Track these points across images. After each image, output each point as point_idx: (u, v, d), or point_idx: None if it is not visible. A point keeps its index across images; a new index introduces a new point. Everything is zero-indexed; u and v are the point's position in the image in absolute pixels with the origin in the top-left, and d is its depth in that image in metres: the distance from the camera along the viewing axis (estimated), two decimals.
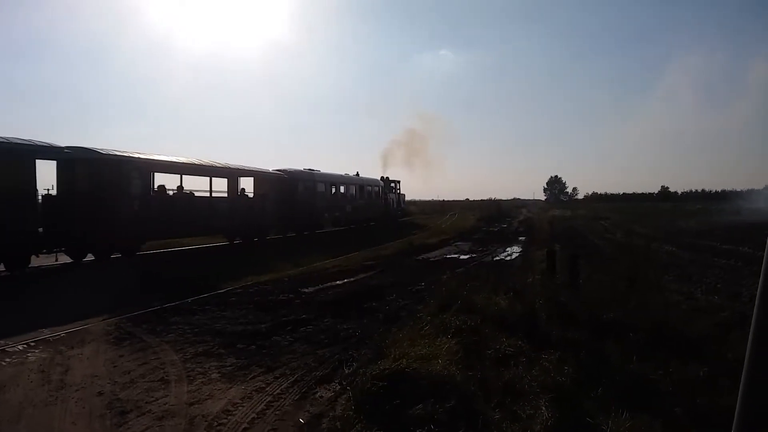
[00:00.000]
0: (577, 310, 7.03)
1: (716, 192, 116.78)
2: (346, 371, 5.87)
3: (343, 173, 32.48)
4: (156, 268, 13.81)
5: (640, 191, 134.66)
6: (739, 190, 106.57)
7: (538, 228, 31.90)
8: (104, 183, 15.19)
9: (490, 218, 45.39)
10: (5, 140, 12.88)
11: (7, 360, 6.23)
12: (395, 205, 40.85)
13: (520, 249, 20.29)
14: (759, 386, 1.70)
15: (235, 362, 6.21)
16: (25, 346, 6.79)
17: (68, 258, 15.26)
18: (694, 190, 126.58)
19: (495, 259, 17.31)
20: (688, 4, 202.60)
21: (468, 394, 4.48)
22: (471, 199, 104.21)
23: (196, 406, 4.87)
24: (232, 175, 21.15)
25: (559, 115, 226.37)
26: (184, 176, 18.99)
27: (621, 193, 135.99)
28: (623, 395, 4.47)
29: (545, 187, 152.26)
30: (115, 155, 15.88)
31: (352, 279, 12.63)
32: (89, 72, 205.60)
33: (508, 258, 17.54)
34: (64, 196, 14.65)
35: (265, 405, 4.92)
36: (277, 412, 4.77)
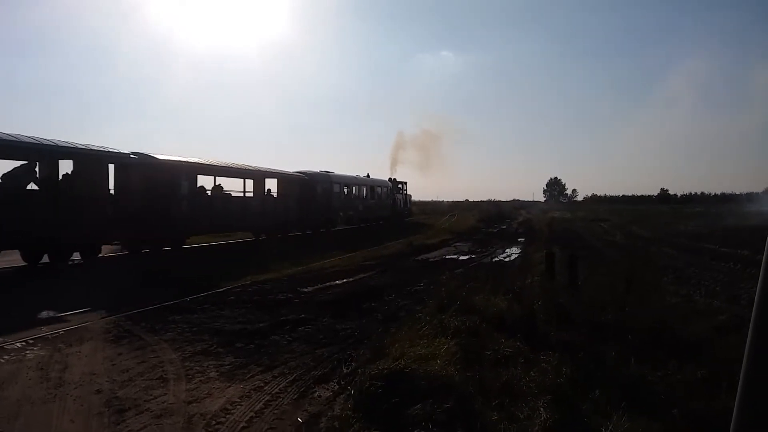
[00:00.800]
0: (576, 312, 7.05)
1: (715, 195, 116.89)
2: (345, 371, 5.87)
3: (354, 174, 34.57)
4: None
5: (639, 193, 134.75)
6: (738, 193, 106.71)
7: (537, 229, 31.93)
8: (158, 184, 17.07)
9: (490, 219, 45.40)
10: (85, 147, 15.05)
11: (6, 357, 6.23)
12: (402, 205, 42.67)
13: (520, 250, 20.31)
14: (757, 389, 1.71)
15: (233, 361, 6.21)
16: (23, 343, 6.79)
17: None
18: (693, 193, 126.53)
19: (494, 260, 17.33)
20: (690, 9, 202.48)
21: (466, 395, 4.49)
22: (471, 200, 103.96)
23: (195, 404, 4.87)
24: (260, 177, 23.32)
25: (559, 116, 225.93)
26: (217, 177, 20.91)
27: (620, 195, 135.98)
28: (621, 397, 4.48)
29: (545, 188, 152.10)
30: (168, 160, 17.92)
31: (351, 279, 12.64)
32: (89, 70, 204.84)
33: (508, 259, 17.54)
34: (122, 196, 16.40)
35: (263, 404, 4.93)
36: (275, 411, 4.78)
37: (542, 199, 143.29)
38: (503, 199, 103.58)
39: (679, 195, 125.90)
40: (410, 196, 47.33)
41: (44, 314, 8.42)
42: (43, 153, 13.72)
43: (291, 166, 27.27)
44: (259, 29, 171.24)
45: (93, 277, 13.20)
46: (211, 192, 20.34)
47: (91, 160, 15.03)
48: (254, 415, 4.67)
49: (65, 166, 14.47)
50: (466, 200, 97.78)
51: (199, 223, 19.30)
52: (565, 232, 28.20)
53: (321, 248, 18.39)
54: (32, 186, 13.81)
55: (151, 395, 5.09)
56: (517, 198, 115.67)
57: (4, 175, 13.53)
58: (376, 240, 23.08)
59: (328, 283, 11.80)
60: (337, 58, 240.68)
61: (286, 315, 8.53)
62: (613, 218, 44.46)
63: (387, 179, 41.32)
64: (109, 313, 8.51)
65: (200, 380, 5.54)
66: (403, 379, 4.61)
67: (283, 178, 25.45)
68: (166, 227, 17.51)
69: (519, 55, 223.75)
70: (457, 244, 23.38)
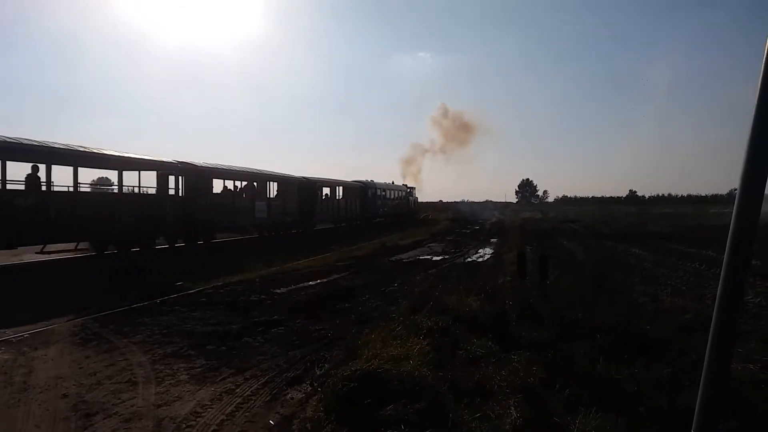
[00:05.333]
0: (547, 312, 7.14)
1: (682, 196, 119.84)
2: (318, 372, 5.85)
3: (383, 181, 46.82)
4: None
5: (609, 195, 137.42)
6: (704, 194, 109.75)
7: (509, 230, 32.33)
8: (311, 194, 29.91)
9: (464, 220, 46.90)
10: (284, 174, 27.92)
11: None
12: (413, 205, 55.04)
13: (492, 251, 20.51)
14: (716, 386, 1.76)
15: (204, 363, 6.14)
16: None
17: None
18: (660, 194, 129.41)
19: (467, 260, 17.45)
20: (664, 16, 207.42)
21: (438, 395, 4.51)
22: (444, 201, 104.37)
23: (165, 407, 4.81)
24: (336, 185, 35.11)
25: (532, 119, 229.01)
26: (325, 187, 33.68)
27: (590, 196, 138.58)
28: (590, 395, 4.56)
29: (517, 189, 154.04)
30: (313, 178, 30.64)
31: (325, 280, 12.60)
32: (57, 67, 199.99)
33: (480, 259, 17.70)
34: (299, 201, 28.47)
35: (234, 407, 4.88)
36: (246, 414, 4.73)
37: (514, 200, 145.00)
38: (476, 200, 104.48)
39: (647, 196, 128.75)
40: (417, 198, 58.30)
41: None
42: (262, 177, 25.56)
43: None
44: (232, 26, 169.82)
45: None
46: (325, 198, 32.64)
47: (288, 182, 27.81)
48: (225, 418, 4.62)
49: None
50: (440, 201, 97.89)
51: (321, 217, 31.79)
52: (537, 233, 28.57)
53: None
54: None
55: (119, 399, 5.00)
56: (489, 199, 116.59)
57: (241, 189, 23.67)
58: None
59: (301, 284, 11.74)
60: (312, 57, 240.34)
61: (258, 317, 8.47)
62: (583, 219, 45.25)
63: (403, 184, 53.75)
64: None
65: (170, 383, 5.46)
66: (375, 380, 4.60)
67: (347, 185, 37.19)
68: (310, 219, 29.84)
69: (495, 57, 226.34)
70: (431, 244, 23.50)
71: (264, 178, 25.77)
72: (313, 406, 4.77)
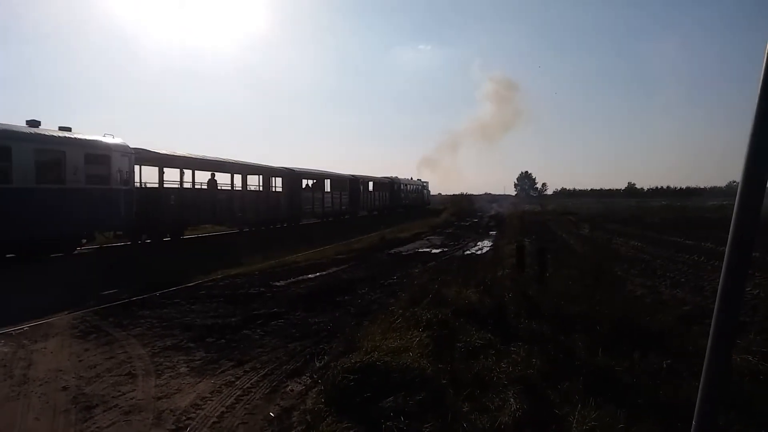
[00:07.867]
0: (545, 304, 7.15)
1: (681, 189, 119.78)
2: (317, 365, 5.86)
3: (404, 176, 55.66)
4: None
5: (607, 187, 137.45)
6: (702, 186, 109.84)
7: (508, 223, 32.33)
8: (356, 188, 38.15)
9: (462, 213, 46.82)
10: (332, 172, 37.75)
11: None
12: (426, 198, 65.39)
13: (491, 243, 20.51)
14: (718, 378, 1.76)
15: (204, 356, 6.14)
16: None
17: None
18: (659, 187, 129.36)
19: (466, 253, 17.46)
20: (667, 8, 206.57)
21: (438, 387, 4.52)
22: (443, 194, 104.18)
23: (164, 400, 4.81)
24: (371, 180, 42.95)
25: (531, 111, 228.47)
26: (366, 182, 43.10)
27: (589, 189, 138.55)
28: (589, 387, 4.57)
29: (516, 182, 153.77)
30: (356, 175, 39.16)
31: (324, 272, 12.61)
32: (55, 58, 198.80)
33: (479, 252, 17.71)
34: (351, 195, 37.50)
35: (234, 399, 4.89)
36: (246, 406, 4.74)
37: (513, 192, 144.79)
38: (475, 193, 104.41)
39: (645, 189, 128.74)
40: (429, 191, 68.17)
41: None
42: (327, 176, 34.32)
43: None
44: (233, 21, 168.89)
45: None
46: (364, 191, 40.52)
47: (342, 179, 36.04)
48: (225, 410, 4.63)
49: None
50: (439, 194, 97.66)
51: (363, 206, 40.55)
52: (536, 225, 28.59)
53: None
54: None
55: (119, 391, 5.01)
56: (488, 191, 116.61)
57: (314, 185, 32.29)
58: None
59: (299, 277, 11.74)
60: (311, 51, 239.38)
61: (258, 309, 8.48)
62: (581, 212, 45.29)
63: (418, 179, 63.20)
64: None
65: (170, 375, 5.47)
66: (375, 372, 4.61)
67: (379, 181, 45.65)
68: (357, 208, 38.48)
69: (494, 49, 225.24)
70: (430, 237, 23.51)
71: (328, 176, 34.78)
72: (313, 398, 4.79)
